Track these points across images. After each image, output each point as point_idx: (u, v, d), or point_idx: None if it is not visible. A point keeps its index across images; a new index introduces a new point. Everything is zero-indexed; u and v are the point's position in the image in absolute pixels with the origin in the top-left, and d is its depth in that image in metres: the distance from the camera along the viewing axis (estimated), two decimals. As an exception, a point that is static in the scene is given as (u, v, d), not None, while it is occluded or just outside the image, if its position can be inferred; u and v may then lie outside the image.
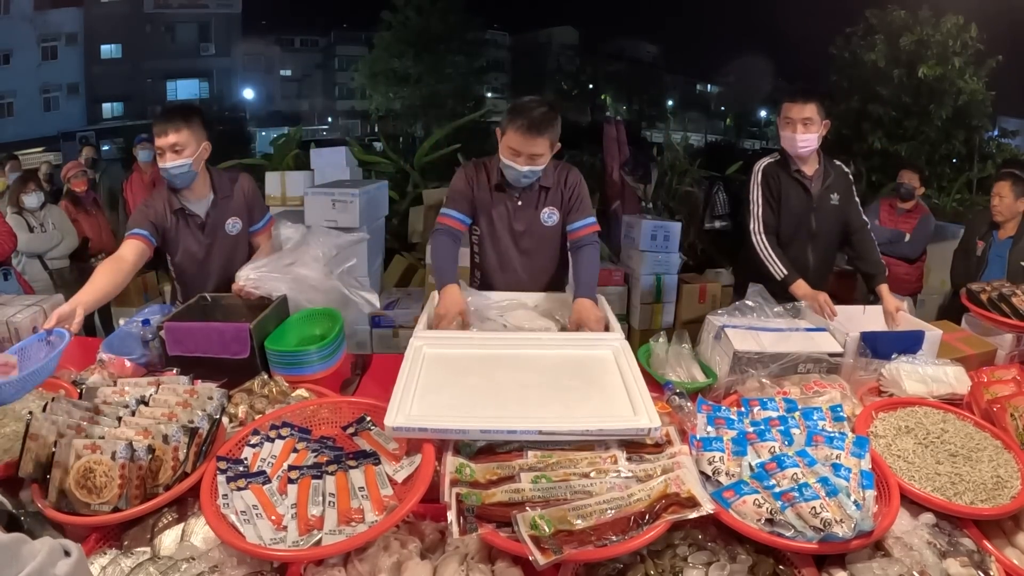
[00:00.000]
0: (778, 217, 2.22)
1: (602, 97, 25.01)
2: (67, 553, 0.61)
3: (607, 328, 1.66)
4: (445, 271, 1.82)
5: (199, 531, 1.04)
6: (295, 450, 1.17)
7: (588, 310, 1.72)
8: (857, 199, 2.26)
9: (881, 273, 2.13)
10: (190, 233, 1.98)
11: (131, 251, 1.82)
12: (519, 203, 1.94)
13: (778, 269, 2.09)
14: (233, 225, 2.03)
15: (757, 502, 1.01)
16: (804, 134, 2.10)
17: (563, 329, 1.79)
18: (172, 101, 21.12)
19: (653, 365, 1.66)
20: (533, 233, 1.97)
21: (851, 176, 2.29)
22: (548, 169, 1.90)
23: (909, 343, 1.60)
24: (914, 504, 1.10)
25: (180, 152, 1.82)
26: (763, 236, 2.16)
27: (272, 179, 4.32)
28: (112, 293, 1.71)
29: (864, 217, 2.26)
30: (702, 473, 1.11)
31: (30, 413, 1.14)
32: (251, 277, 1.83)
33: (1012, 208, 3.02)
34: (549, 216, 1.96)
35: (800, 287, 2.00)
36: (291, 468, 1.10)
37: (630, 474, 1.08)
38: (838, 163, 2.28)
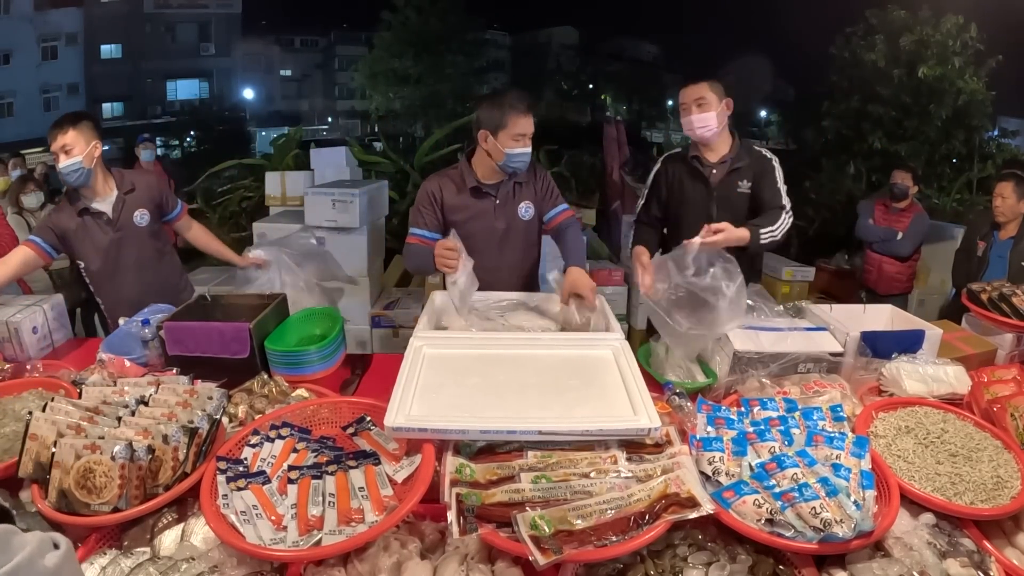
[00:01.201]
0: (675, 208, 2.19)
1: (602, 97, 24.99)
2: (56, 546, 0.62)
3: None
4: (427, 259, 1.83)
5: (199, 531, 1.04)
6: (295, 450, 1.17)
7: (581, 276, 1.77)
8: (781, 184, 2.07)
9: (753, 227, 1.89)
10: (98, 229, 2.09)
11: (15, 257, 1.99)
12: (497, 201, 1.97)
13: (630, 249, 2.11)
14: (141, 217, 2.15)
15: (757, 502, 1.01)
16: (700, 114, 2.03)
17: (562, 329, 1.79)
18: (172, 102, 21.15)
19: (653, 365, 1.66)
20: (514, 229, 2.01)
21: (775, 161, 2.11)
22: None
23: (909, 342, 1.60)
24: (914, 504, 1.10)
25: (69, 152, 1.94)
26: (636, 224, 2.24)
27: (272, 179, 4.32)
28: None
29: (785, 200, 2.03)
30: (702, 473, 1.11)
31: (30, 413, 1.14)
32: (259, 253, 2.21)
33: (1014, 209, 3.02)
34: (526, 210, 2.01)
35: (637, 253, 1.97)
36: (291, 468, 1.10)
37: (630, 474, 1.08)
38: (761, 150, 2.15)
